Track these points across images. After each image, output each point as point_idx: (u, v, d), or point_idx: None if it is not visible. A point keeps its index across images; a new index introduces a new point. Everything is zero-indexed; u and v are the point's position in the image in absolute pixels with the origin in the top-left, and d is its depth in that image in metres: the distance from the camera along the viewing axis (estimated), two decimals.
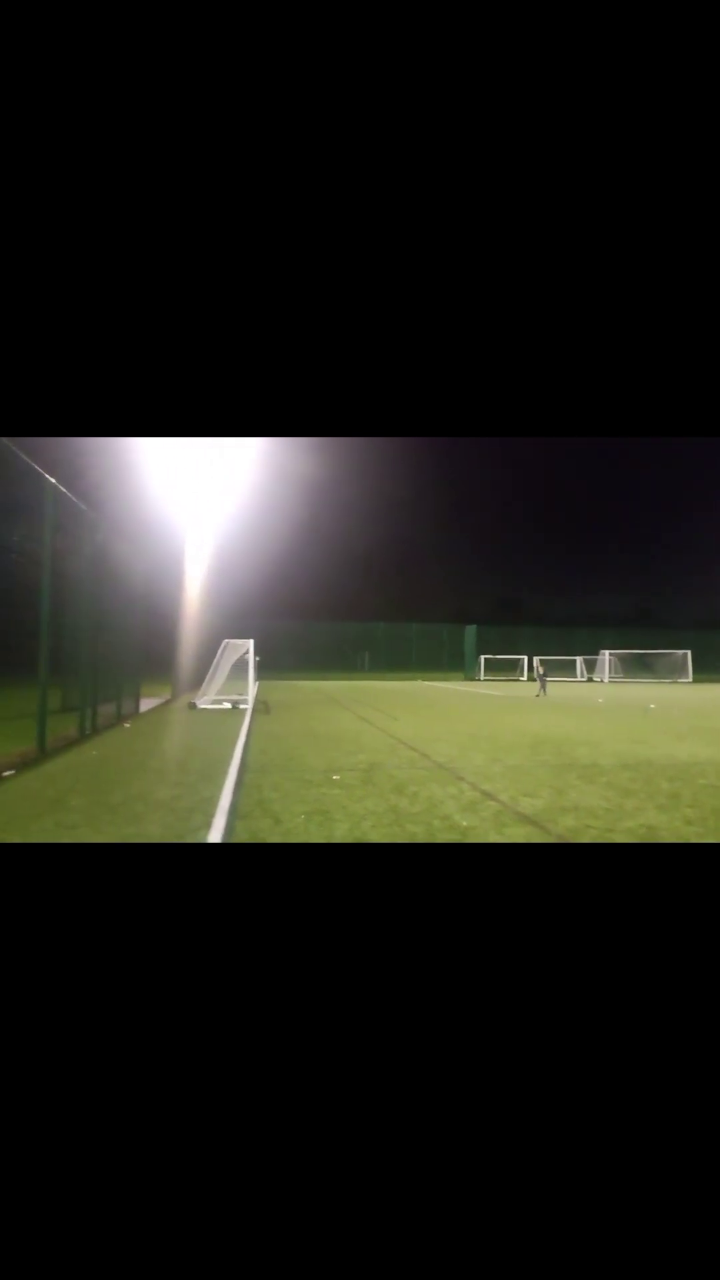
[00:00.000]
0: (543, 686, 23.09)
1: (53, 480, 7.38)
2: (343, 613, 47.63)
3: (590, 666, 39.49)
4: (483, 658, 40.34)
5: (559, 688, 28.76)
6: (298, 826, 4.36)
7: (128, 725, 10.81)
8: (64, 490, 7.80)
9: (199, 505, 21.12)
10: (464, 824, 4.50)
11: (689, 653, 39.68)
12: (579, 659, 39.78)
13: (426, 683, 33.75)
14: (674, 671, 39.85)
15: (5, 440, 6.02)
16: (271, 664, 33.85)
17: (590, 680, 38.21)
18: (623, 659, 39.73)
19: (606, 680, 37.42)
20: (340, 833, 4.22)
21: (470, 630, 42.73)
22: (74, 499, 8.32)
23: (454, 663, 42.58)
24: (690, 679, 39.08)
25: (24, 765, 6.57)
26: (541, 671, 23.59)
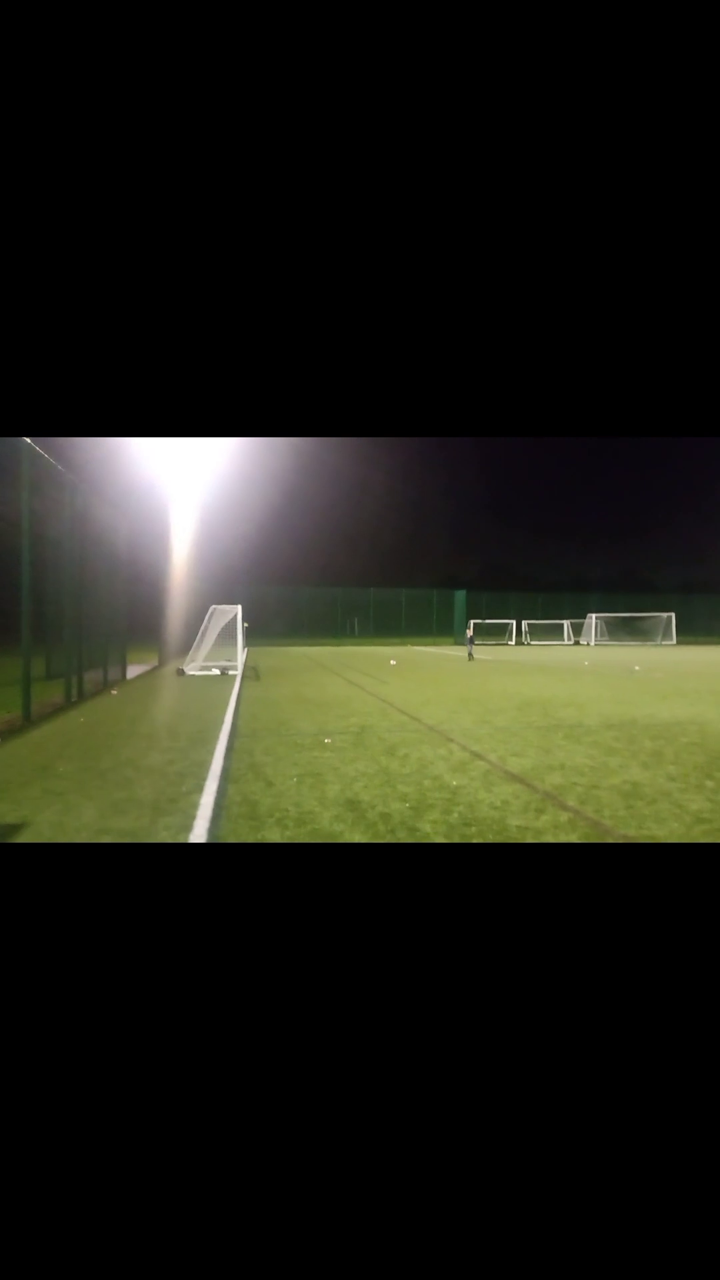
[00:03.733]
0: (470, 651, 22.96)
1: (28, 440, 7.15)
2: (332, 578, 47.32)
3: (577, 630, 39.76)
4: (472, 622, 40.49)
5: (546, 651, 28.97)
6: (290, 789, 4.37)
7: (115, 692, 10.75)
8: (39, 450, 7.57)
9: (183, 469, 20.73)
10: (454, 783, 4.52)
11: (673, 615, 40.00)
12: (566, 623, 40.02)
13: (417, 648, 33.84)
14: (659, 634, 40.21)
15: None
16: (260, 630, 33.71)
17: (577, 643, 38.52)
18: (608, 622, 40.00)
19: (593, 643, 37.75)
20: (332, 794, 4.23)
21: (460, 595, 42.71)
22: (51, 459, 8.09)
23: (443, 628, 42.64)
24: (674, 641, 39.48)
25: (9, 733, 6.52)
26: (470, 635, 23.50)
